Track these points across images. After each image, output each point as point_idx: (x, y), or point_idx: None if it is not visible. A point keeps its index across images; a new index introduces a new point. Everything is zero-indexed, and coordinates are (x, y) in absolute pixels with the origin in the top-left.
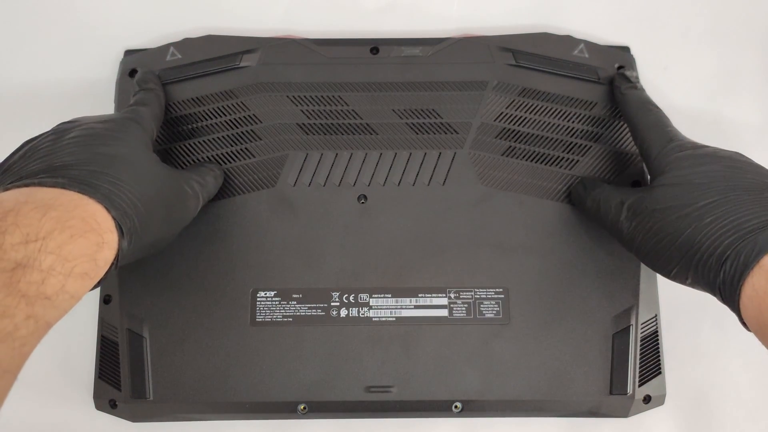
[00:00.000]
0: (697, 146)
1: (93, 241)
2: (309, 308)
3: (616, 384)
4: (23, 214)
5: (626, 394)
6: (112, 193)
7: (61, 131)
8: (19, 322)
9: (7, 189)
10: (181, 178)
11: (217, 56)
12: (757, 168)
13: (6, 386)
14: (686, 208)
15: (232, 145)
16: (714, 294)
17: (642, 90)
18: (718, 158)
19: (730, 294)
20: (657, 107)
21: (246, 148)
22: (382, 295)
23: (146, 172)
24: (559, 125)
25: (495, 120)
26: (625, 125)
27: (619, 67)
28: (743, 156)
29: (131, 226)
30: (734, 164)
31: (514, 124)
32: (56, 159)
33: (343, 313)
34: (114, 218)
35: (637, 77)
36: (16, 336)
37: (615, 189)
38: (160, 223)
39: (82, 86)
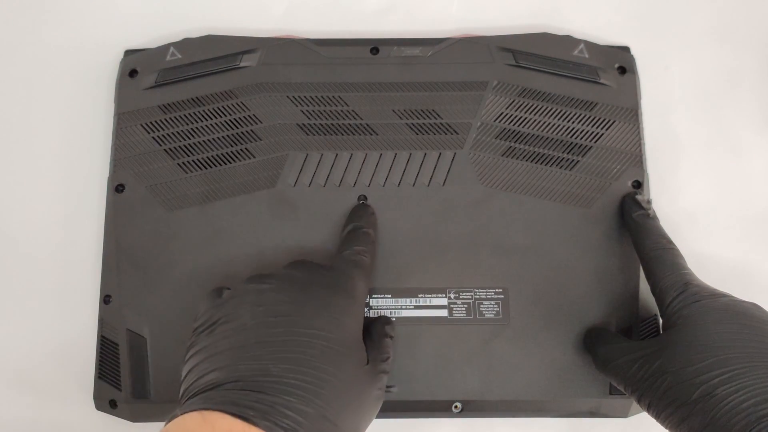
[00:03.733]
0: (714, 295)
1: None
2: None
3: None
4: None
5: (626, 394)
6: None
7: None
8: None
9: (185, 411)
10: (379, 381)
11: (217, 56)
12: None
13: None
14: (700, 376)
15: (232, 145)
16: None
17: (655, 218)
18: (734, 314)
19: None
20: (671, 243)
21: (246, 148)
22: (382, 296)
23: (357, 407)
24: (559, 125)
25: (495, 120)
26: (625, 125)
27: (634, 183)
28: (761, 310)
29: None
30: (751, 322)
31: (514, 125)
32: (246, 364)
33: None
34: None
35: (649, 201)
36: None
37: (623, 344)
38: None
39: (82, 86)
